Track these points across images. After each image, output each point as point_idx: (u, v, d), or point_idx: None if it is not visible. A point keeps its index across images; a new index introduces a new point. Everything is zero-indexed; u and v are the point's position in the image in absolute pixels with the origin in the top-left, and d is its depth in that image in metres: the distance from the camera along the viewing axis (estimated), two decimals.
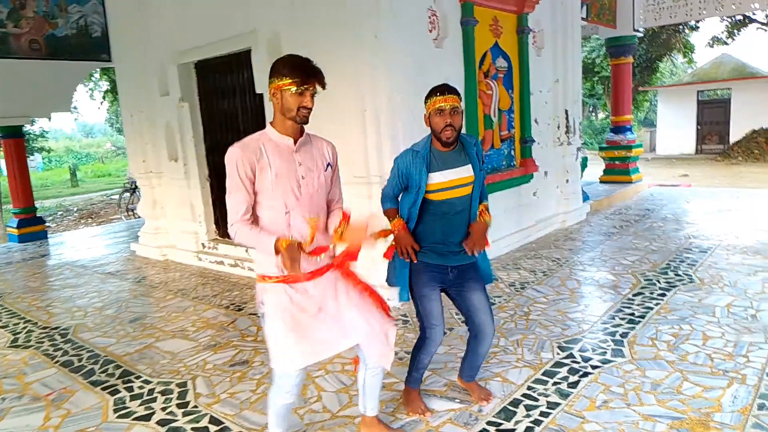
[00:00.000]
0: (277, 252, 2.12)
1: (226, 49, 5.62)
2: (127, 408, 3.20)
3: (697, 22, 20.19)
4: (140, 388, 3.46)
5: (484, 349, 2.87)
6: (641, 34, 9.76)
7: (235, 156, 2.15)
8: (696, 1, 8.88)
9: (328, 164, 2.33)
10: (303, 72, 2.11)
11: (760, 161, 18.38)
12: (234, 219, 2.20)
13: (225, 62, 5.83)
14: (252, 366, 3.65)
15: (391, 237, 2.74)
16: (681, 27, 21.23)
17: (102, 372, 3.74)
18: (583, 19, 7.80)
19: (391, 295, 3.15)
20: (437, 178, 2.63)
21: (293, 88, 2.10)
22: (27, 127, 22.40)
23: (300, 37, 4.81)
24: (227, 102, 5.99)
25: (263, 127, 5.97)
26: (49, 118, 10.07)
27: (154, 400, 3.28)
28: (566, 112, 7.02)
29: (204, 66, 6.11)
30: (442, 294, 2.80)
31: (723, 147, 21.33)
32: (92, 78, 17.34)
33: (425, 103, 2.63)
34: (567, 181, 7.22)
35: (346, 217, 2.32)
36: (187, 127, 6.29)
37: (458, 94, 2.61)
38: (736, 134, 21.02)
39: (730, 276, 4.77)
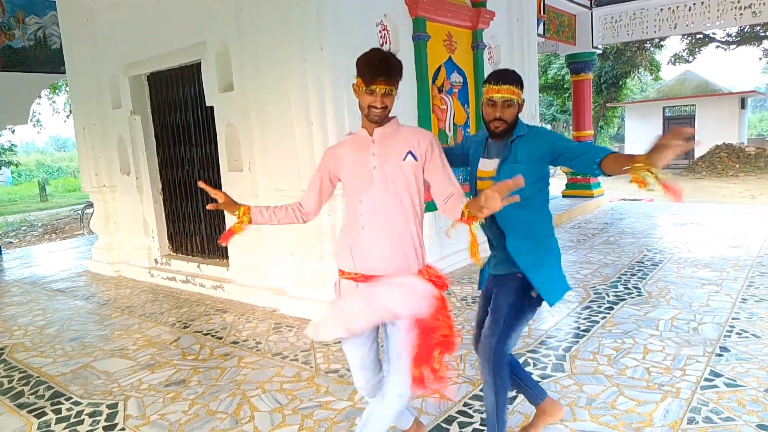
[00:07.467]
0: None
1: (177, 61, 5.54)
2: (51, 431, 3.06)
3: (661, 40, 20.71)
4: (68, 410, 3.32)
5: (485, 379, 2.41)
6: (600, 51, 9.92)
7: (325, 154, 2.32)
8: (651, 20, 9.08)
9: (409, 152, 2.16)
10: (370, 70, 2.05)
11: (723, 176, 18.80)
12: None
13: (176, 74, 5.73)
14: (188, 385, 3.54)
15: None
16: (646, 44, 21.75)
17: (31, 394, 3.59)
18: (540, 35, 7.91)
19: None
20: (481, 165, 2.41)
21: (363, 87, 2.08)
22: None
23: (247, 49, 4.76)
24: (179, 115, 5.88)
25: (215, 141, 5.84)
26: (8, 131, 9.76)
27: (81, 422, 3.15)
28: None
29: (156, 78, 6.01)
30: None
31: (688, 162, 21.80)
32: (57, 91, 16.99)
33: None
34: None
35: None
36: (140, 140, 6.16)
37: (517, 84, 2.28)
38: (700, 149, 21.53)
39: (678, 289, 4.81)
